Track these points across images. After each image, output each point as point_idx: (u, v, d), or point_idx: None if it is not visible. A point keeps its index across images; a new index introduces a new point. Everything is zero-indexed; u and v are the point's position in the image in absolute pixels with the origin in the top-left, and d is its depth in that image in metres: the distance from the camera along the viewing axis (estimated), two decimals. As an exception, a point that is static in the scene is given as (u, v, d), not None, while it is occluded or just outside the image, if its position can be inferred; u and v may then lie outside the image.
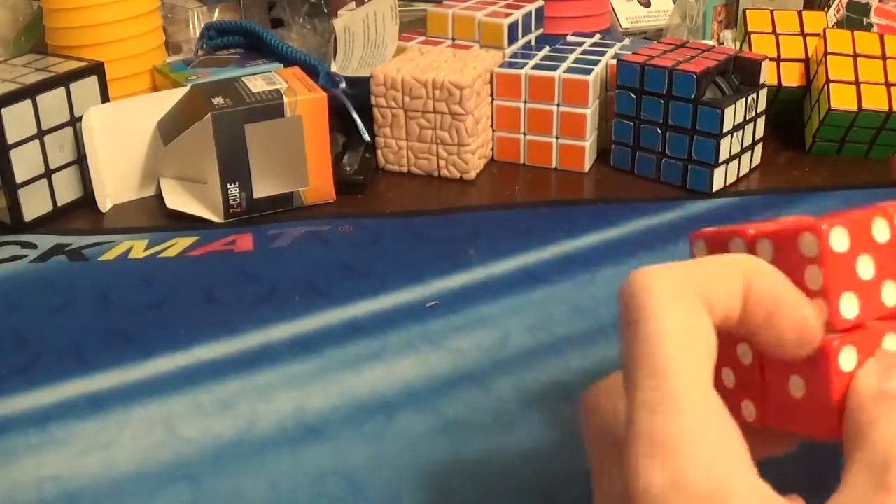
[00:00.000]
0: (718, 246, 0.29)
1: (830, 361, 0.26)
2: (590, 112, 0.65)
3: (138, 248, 0.57)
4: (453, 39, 0.73)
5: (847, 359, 0.26)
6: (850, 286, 0.27)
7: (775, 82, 0.70)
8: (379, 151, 0.67)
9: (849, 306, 0.27)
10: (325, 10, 0.90)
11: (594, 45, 0.72)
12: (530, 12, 0.74)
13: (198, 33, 0.83)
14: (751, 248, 0.28)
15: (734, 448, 0.24)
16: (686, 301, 0.25)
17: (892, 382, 0.26)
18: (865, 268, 0.27)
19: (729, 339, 0.29)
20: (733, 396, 0.29)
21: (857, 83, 0.66)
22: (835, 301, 0.26)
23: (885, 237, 0.27)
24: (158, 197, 0.64)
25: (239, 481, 0.38)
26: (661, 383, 0.24)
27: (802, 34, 0.72)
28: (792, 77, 0.71)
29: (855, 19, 0.86)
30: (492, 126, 0.68)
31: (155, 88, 0.72)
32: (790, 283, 0.27)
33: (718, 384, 0.29)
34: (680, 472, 0.23)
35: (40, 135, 0.59)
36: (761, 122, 0.65)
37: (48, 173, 0.61)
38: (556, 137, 0.67)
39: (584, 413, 0.30)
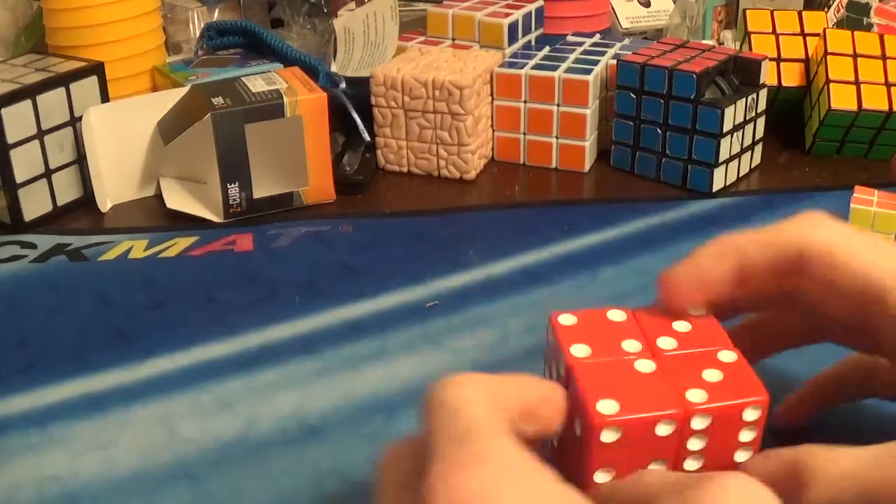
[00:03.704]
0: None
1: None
2: (590, 112, 0.65)
3: (138, 248, 0.57)
4: (453, 39, 0.73)
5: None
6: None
7: (775, 82, 0.70)
8: (379, 151, 0.67)
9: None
10: (325, 10, 0.90)
11: (594, 45, 0.72)
12: (530, 12, 0.74)
13: (198, 33, 0.83)
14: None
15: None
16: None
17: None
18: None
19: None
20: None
21: (857, 83, 0.66)
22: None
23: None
24: (158, 197, 0.64)
25: (239, 481, 0.38)
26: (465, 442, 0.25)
27: (802, 34, 0.72)
28: (792, 77, 0.71)
29: (855, 19, 0.86)
30: (492, 126, 0.68)
31: (155, 88, 0.72)
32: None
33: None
34: None
35: (40, 135, 0.59)
36: (761, 122, 0.65)
37: (48, 173, 0.61)
38: (556, 137, 0.67)
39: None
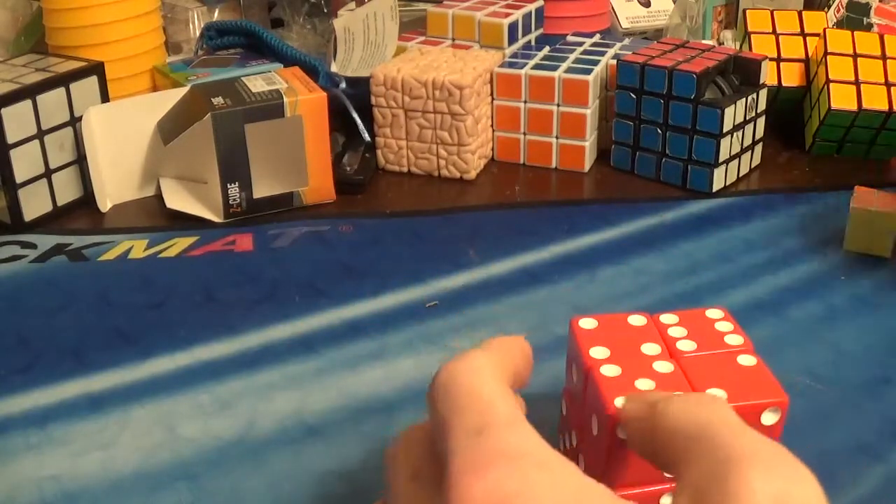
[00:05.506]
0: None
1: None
2: (590, 112, 0.65)
3: (138, 248, 0.57)
4: (453, 39, 0.73)
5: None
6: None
7: (775, 82, 0.70)
8: (379, 151, 0.67)
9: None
10: (325, 10, 0.90)
11: (594, 45, 0.72)
12: (530, 12, 0.74)
13: (198, 33, 0.83)
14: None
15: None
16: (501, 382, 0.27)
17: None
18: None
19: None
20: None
21: (857, 83, 0.66)
22: None
23: None
24: (158, 197, 0.64)
25: (239, 481, 0.38)
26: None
27: (802, 34, 0.72)
28: (792, 77, 0.71)
29: (855, 19, 0.86)
30: (492, 126, 0.68)
31: (155, 88, 0.72)
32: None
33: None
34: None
35: (40, 135, 0.59)
36: (761, 122, 0.65)
37: (48, 173, 0.61)
38: (556, 137, 0.67)
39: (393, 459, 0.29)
